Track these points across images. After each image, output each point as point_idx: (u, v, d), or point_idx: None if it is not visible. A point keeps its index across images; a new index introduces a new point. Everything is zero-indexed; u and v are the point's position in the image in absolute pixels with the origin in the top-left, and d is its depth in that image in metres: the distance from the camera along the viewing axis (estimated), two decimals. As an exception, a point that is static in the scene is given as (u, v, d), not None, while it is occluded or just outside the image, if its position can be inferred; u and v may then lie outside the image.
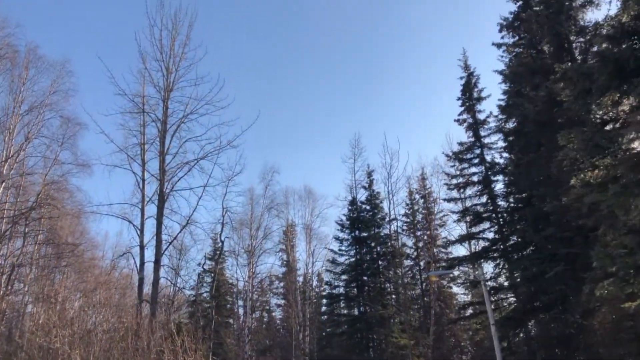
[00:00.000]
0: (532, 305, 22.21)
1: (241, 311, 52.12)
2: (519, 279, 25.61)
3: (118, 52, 73.79)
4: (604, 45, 10.83)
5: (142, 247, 29.35)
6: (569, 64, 22.47)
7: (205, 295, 46.38)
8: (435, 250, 44.88)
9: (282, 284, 57.92)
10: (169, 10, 31.80)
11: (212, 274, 42.52)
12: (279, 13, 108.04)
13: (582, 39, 21.77)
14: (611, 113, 10.37)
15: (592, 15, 21.93)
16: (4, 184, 32.63)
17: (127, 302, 33.10)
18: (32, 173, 35.55)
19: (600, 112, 10.72)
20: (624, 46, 9.09)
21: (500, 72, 29.10)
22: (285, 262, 55.22)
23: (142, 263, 29.57)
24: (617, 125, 9.47)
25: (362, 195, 40.81)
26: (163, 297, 38.69)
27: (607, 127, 9.62)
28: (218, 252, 43.59)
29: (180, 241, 33.62)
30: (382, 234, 39.66)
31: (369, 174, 40.95)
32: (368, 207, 39.87)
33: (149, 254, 29.07)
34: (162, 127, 30.58)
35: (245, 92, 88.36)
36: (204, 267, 42.43)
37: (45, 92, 35.04)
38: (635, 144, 9.30)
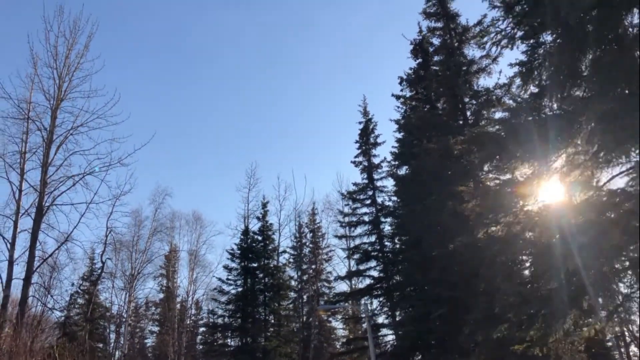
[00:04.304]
0: (415, 344, 23.65)
1: (112, 336, 49.40)
2: (400, 318, 27.11)
3: (7, 52, 68.10)
4: (506, 114, 12.46)
5: (11, 263, 27.39)
6: (461, 122, 24.90)
7: (77, 317, 43.34)
8: (319, 284, 45.98)
9: (158, 310, 55.85)
10: (68, 17, 30.55)
11: (87, 296, 40.01)
12: (186, 38, 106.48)
13: (474, 102, 24.18)
14: (511, 176, 11.89)
15: (484, 82, 24.48)
16: None
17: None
18: None
19: (505, 177, 12.26)
20: (529, 119, 10.64)
21: (397, 122, 31.31)
22: (164, 288, 53.43)
23: (10, 280, 27.54)
24: (515, 188, 10.93)
25: (255, 226, 41.02)
26: (28, 318, 35.95)
27: (508, 189, 11.06)
28: (96, 273, 41.22)
29: (55, 258, 31.73)
30: (271, 265, 39.99)
31: (264, 205, 41.28)
32: (260, 238, 40.03)
33: (18, 270, 27.20)
34: (48, 137, 28.99)
35: (143, 110, 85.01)
36: (80, 288, 39.87)
37: None
38: (531, 206, 10.76)
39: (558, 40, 11.03)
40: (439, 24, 26.73)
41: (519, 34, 11.07)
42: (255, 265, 39.21)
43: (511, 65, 13.44)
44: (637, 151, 8.54)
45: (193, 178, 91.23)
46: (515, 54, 13.81)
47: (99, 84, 34.89)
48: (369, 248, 32.94)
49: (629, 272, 8.45)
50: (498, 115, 24.03)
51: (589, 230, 8.31)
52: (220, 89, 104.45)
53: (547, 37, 11.42)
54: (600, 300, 9.59)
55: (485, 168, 21.92)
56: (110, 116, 27.83)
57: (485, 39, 14.01)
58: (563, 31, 10.77)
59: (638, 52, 10.67)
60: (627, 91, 9.91)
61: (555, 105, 10.66)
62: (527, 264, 9.93)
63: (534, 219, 9.95)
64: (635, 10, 10.44)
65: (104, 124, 27.87)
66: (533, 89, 12.77)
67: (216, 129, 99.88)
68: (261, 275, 39.23)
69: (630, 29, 10.57)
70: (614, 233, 7.94)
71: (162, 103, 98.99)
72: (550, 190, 10.22)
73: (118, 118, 28.03)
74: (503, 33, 11.66)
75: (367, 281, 33.99)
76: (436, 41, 27.16)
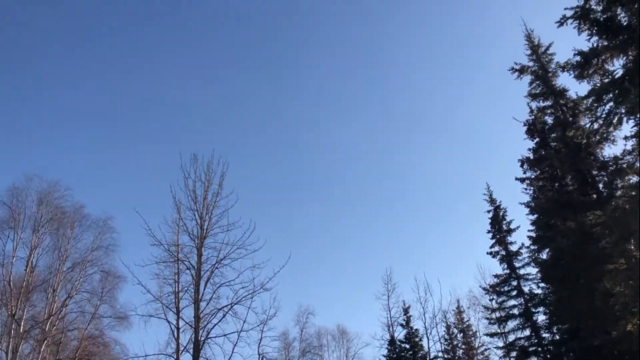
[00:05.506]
0: None
1: None
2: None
3: (154, 204, 76.98)
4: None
5: (174, 401, 28.90)
6: (594, 195, 23.39)
7: None
8: (480, 387, 42.75)
9: None
10: (202, 162, 34.03)
11: None
12: (304, 156, 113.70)
13: (604, 173, 22.79)
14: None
15: (610, 150, 23.22)
16: (45, 341, 33.12)
17: None
18: (72, 329, 36.12)
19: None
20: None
21: (527, 205, 30.01)
22: (321, 408, 52.78)
23: (175, 418, 28.94)
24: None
25: (399, 333, 40.04)
26: None
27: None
28: (254, 402, 42.05)
29: (214, 391, 32.97)
30: (424, 373, 38.36)
31: (406, 311, 40.41)
32: (407, 346, 38.91)
33: (181, 407, 28.54)
34: (196, 275, 31.30)
35: (276, 232, 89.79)
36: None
37: (88, 249, 36.85)
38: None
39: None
40: (548, 102, 26.27)
41: (621, 111, 10.77)
42: (408, 375, 37.87)
43: (626, 138, 12.97)
44: None
45: (331, 291, 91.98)
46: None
47: (235, 217, 37.58)
48: (525, 343, 30.61)
49: None
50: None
51: None
52: (344, 201, 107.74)
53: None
54: None
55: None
56: (249, 244, 29.45)
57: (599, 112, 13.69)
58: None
59: None
60: None
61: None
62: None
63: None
64: None
65: (244, 253, 29.47)
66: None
67: (346, 240, 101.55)
68: (415, 385, 37.67)
69: None
70: None
71: (293, 223, 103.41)
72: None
73: (256, 245, 29.49)
74: (606, 112, 11.40)
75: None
76: (549, 119, 26.55)
